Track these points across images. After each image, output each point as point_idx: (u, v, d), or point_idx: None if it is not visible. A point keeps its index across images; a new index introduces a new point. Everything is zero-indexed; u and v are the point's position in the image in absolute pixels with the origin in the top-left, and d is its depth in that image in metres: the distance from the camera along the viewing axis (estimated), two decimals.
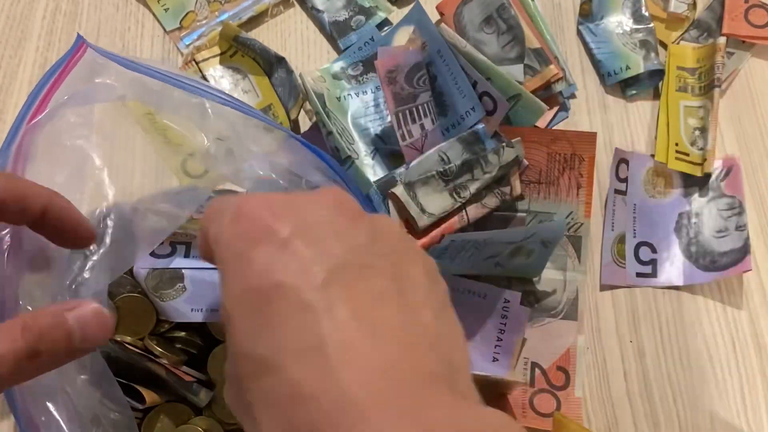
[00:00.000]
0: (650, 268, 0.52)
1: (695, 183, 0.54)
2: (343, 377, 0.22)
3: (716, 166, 0.54)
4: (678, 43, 0.59)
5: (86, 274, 0.35)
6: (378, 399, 0.22)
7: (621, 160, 0.54)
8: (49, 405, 0.33)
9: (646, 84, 0.58)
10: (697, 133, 0.55)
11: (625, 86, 0.58)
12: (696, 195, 0.54)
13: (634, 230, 0.53)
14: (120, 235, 0.37)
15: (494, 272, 0.50)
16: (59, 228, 0.32)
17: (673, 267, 0.52)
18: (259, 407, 0.24)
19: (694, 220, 0.54)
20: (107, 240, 0.37)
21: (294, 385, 0.22)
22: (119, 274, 0.38)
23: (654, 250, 0.53)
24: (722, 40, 0.56)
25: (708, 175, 0.54)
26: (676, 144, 0.55)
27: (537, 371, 0.49)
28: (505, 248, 0.47)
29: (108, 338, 0.30)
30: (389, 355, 0.23)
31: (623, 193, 0.54)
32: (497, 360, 0.48)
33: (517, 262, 0.49)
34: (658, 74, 0.58)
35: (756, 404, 0.49)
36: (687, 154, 0.54)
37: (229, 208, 0.27)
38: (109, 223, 0.37)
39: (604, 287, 0.52)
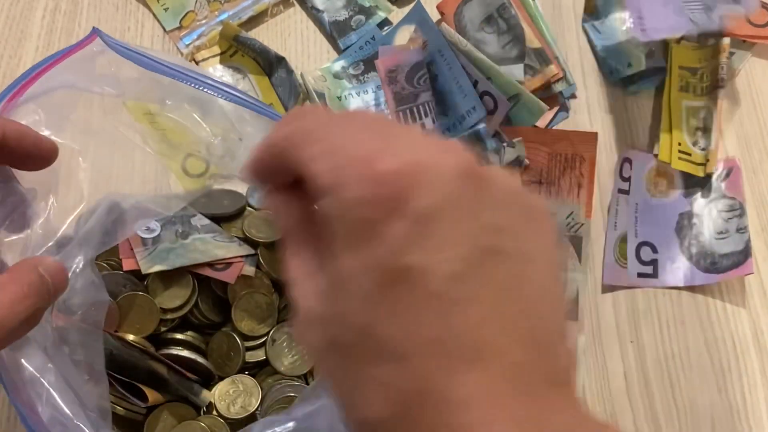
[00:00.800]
0: (651, 268, 0.52)
1: (696, 183, 0.54)
2: (468, 379, 0.22)
3: (716, 167, 0.54)
4: (680, 43, 0.59)
5: (74, 244, 0.35)
6: (499, 405, 0.21)
7: (625, 159, 0.54)
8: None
9: (649, 82, 0.58)
10: (699, 133, 0.55)
11: (627, 84, 0.58)
12: (697, 195, 0.54)
13: (636, 230, 0.53)
14: (110, 216, 0.37)
15: None
16: (21, 147, 0.32)
17: (674, 268, 0.52)
18: (369, 388, 0.23)
19: (694, 221, 0.53)
20: (95, 216, 0.37)
21: (418, 379, 0.22)
22: (107, 247, 0.38)
23: (655, 250, 0.53)
24: (726, 40, 0.56)
25: (710, 176, 0.54)
26: (679, 144, 0.55)
27: None
28: None
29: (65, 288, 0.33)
30: (516, 357, 0.22)
31: (626, 192, 0.54)
32: None
33: None
34: (660, 72, 0.57)
35: (756, 404, 0.49)
36: (689, 154, 0.54)
37: (355, 154, 0.23)
38: (102, 206, 0.37)
39: (604, 287, 0.52)
